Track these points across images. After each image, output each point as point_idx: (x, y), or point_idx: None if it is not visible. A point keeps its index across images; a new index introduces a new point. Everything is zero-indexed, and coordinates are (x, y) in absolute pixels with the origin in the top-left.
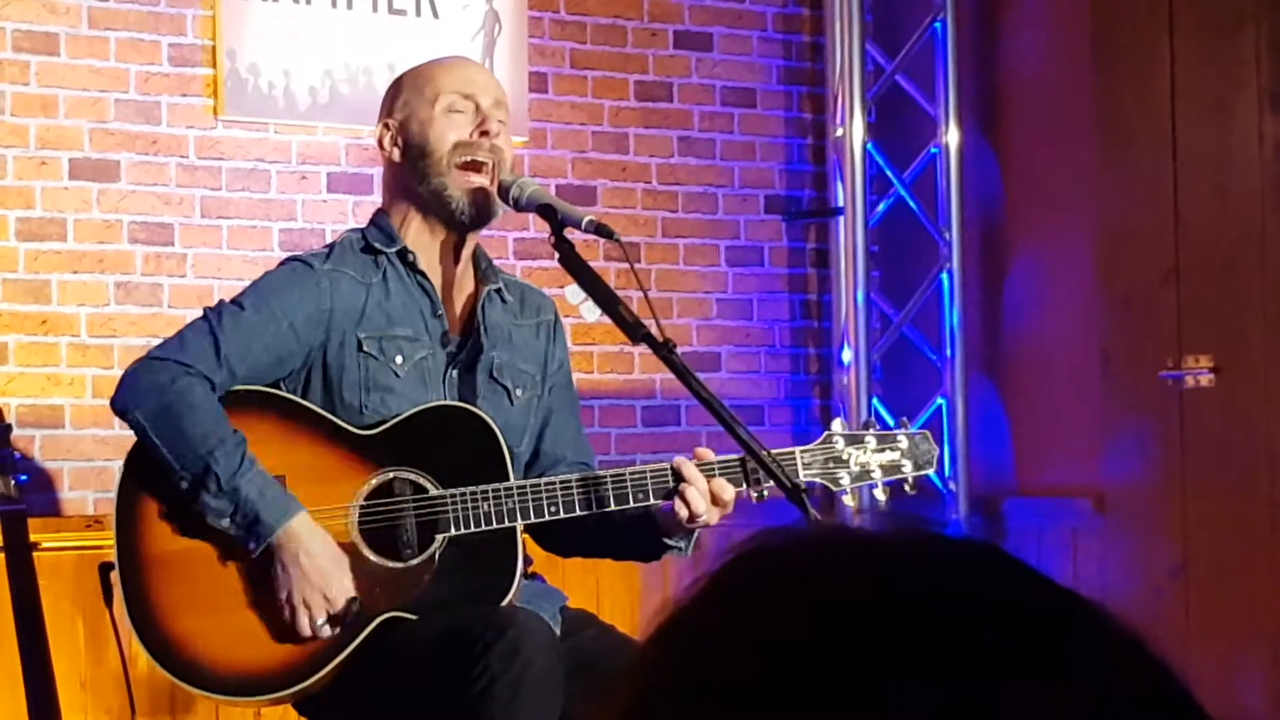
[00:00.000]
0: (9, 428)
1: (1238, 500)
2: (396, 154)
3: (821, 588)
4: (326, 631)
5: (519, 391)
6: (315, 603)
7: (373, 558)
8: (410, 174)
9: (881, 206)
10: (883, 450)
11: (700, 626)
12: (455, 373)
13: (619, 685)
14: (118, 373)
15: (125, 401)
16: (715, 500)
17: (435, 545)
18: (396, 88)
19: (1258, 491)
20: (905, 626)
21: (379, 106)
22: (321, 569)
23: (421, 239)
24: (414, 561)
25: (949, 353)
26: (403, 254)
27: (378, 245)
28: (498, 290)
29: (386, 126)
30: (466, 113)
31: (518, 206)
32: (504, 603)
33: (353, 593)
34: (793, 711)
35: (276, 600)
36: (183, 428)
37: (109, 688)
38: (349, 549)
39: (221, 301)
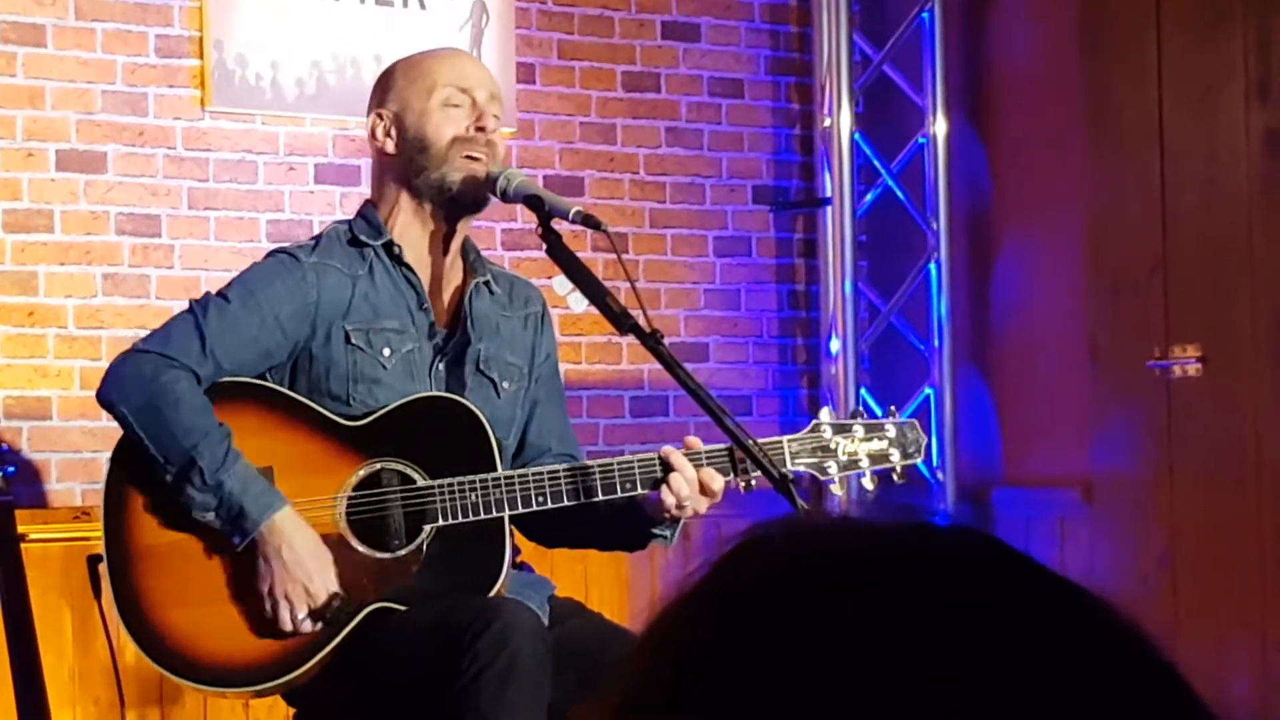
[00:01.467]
0: None
1: (1225, 490)
2: (391, 145)
3: (809, 584)
4: (308, 626)
5: (505, 384)
6: (296, 596)
7: (360, 548)
8: (406, 166)
9: (869, 197)
10: (870, 439)
11: (684, 628)
12: (442, 365)
13: (609, 686)
14: (105, 364)
15: (110, 395)
16: (704, 490)
17: (423, 536)
18: (388, 78)
19: (1244, 481)
20: (889, 624)
21: (368, 97)
22: (303, 563)
23: (410, 231)
24: (402, 552)
25: (937, 343)
26: (389, 246)
27: (364, 238)
28: (485, 282)
29: (380, 117)
30: (463, 106)
31: (505, 197)
32: (492, 593)
33: (335, 588)
34: (771, 711)
35: (261, 593)
36: (167, 422)
37: (96, 679)
38: (336, 539)
39: (208, 294)
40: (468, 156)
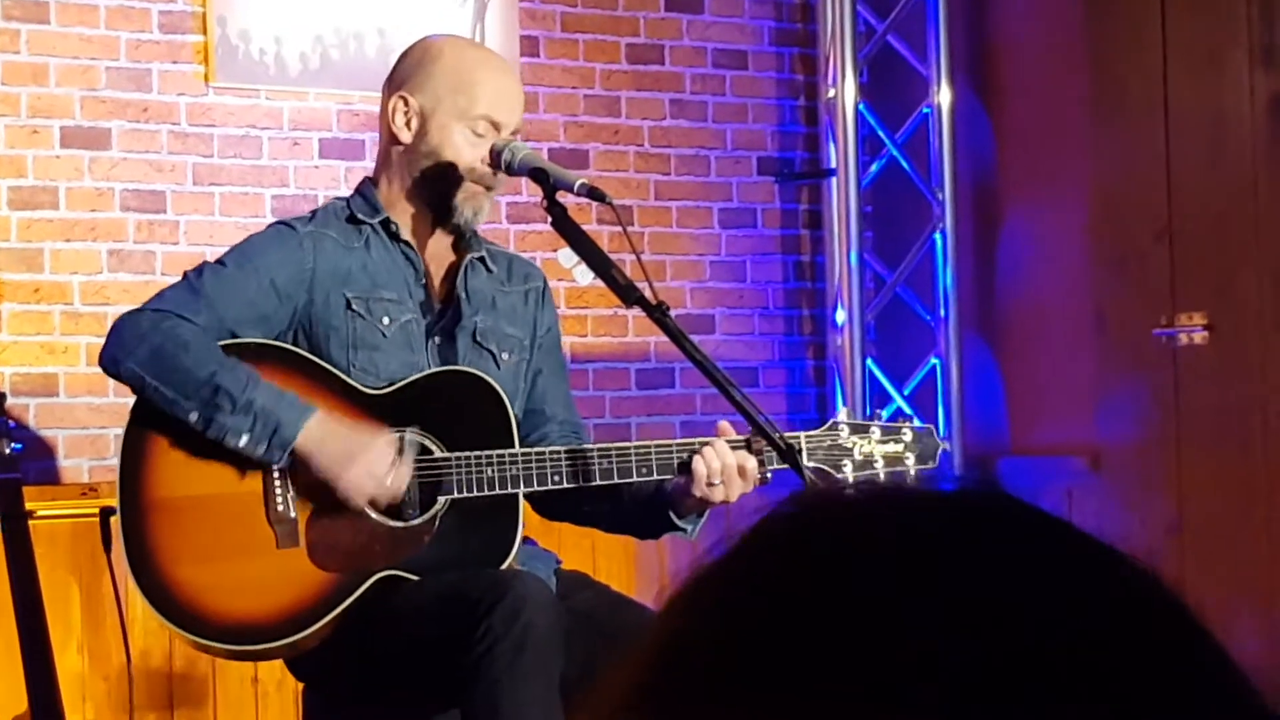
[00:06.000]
0: (3, 396)
1: (1232, 457)
2: (407, 136)
3: (850, 551)
4: (390, 516)
5: (505, 355)
6: (360, 480)
7: (374, 515)
8: (415, 163)
9: (874, 167)
10: (887, 442)
11: (724, 592)
12: (438, 338)
13: (637, 648)
14: None
15: (115, 354)
16: (741, 471)
17: (437, 506)
18: (428, 66)
19: (1251, 448)
20: (931, 591)
21: (376, 70)
22: (348, 451)
23: (407, 212)
24: (415, 521)
25: (943, 313)
26: (385, 224)
27: (361, 215)
28: (480, 258)
29: (405, 102)
30: (488, 137)
31: (510, 171)
32: (502, 567)
33: (390, 455)
34: (808, 682)
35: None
36: (180, 362)
37: (105, 654)
38: (352, 506)
39: (204, 262)
40: (477, 183)
